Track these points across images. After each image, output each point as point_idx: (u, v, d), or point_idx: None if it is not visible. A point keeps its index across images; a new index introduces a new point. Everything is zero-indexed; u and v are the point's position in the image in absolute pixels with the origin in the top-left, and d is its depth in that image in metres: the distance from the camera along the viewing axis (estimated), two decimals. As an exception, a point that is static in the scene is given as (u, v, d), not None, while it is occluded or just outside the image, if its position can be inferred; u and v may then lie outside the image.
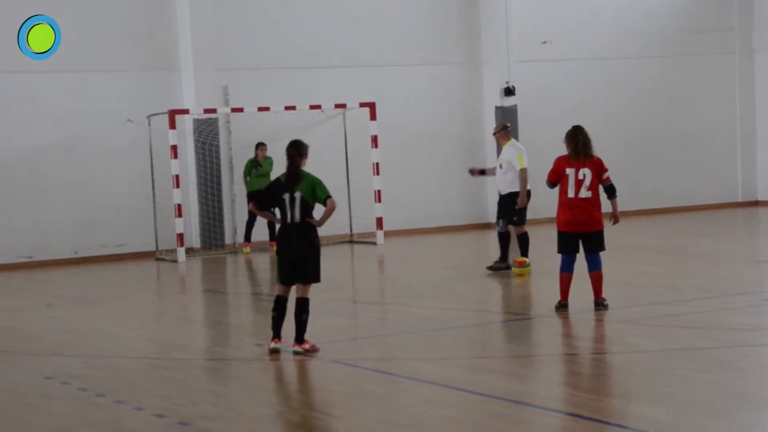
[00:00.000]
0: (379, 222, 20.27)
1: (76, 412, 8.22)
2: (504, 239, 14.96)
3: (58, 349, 11.00)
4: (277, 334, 10.02)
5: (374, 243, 20.11)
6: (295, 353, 9.87)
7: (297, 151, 9.96)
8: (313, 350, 9.94)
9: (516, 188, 14.68)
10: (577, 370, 9.16)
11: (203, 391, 8.83)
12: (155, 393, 8.69)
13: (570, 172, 11.36)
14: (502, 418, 7.56)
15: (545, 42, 22.77)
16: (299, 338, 9.94)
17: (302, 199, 9.82)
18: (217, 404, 8.26)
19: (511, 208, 14.77)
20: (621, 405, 7.83)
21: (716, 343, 9.61)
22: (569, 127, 11.70)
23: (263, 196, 10.11)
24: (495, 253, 15.33)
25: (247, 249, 19.35)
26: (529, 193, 14.83)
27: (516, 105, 22.22)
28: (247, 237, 19.42)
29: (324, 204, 9.84)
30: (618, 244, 16.54)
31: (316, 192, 9.84)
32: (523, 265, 14.57)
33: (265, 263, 18.07)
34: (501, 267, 14.86)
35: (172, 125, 18.76)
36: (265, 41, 20.75)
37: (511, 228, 14.90)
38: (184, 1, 19.92)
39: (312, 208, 9.87)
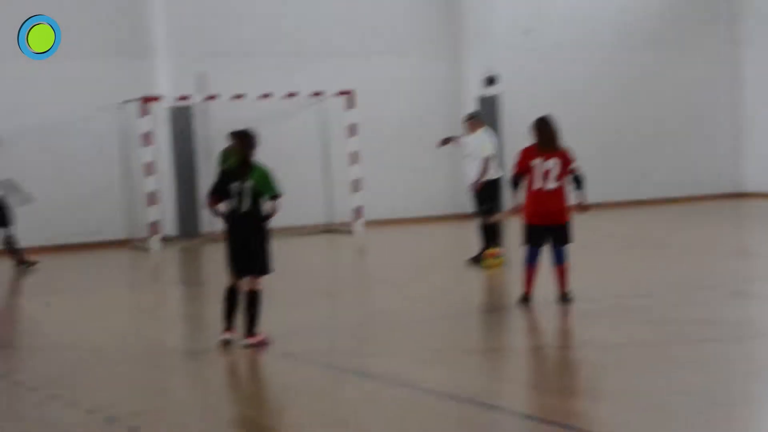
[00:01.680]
0: (357, 212, 20.02)
1: (5, 406, 7.98)
2: (483, 230, 14.72)
3: (11, 339, 10.78)
4: (228, 326, 9.79)
5: (351, 233, 19.88)
6: (245, 346, 9.64)
7: (246, 139, 9.70)
8: (265, 343, 9.71)
9: (486, 177, 14.45)
10: (527, 365, 8.93)
11: (143, 386, 8.59)
12: (94, 387, 8.45)
13: (537, 163, 11.08)
14: (441, 414, 7.32)
15: (528, 31, 22.49)
16: (249, 331, 9.71)
17: (253, 188, 9.58)
18: (153, 400, 8.03)
19: (482, 197, 14.54)
20: (563, 402, 7.58)
21: (672, 338, 9.37)
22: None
23: (216, 187, 9.84)
24: (475, 244, 15.04)
25: None
26: (500, 181, 14.58)
27: (498, 95, 21.96)
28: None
29: (271, 199, 9.62)
30: (595, 234, 16.36)
31: (267, 185, 9.60)
32: (494, 256, 14.33)
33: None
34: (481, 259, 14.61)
35: (145, 112, 18.51)
36: (244, 28, 20.49)
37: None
38: (160, -14, 19.68)
39: (263, 198, 9.62)
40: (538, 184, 11.03)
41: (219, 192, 9.70)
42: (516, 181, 11.16)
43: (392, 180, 21.64)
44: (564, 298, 11.14)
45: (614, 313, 10.60)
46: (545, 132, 11.14)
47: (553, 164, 11.03)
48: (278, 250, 17.75)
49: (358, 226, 19.95)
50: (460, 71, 22.23)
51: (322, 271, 16.02)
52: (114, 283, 15.38)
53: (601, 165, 22.32)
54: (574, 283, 11.28)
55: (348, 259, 17.56)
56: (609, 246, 16.37)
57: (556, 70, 22.66)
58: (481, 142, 14.52)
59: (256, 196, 9.59)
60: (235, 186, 9.60)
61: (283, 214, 19.61)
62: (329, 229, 20.49)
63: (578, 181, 11.23)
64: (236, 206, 9.62)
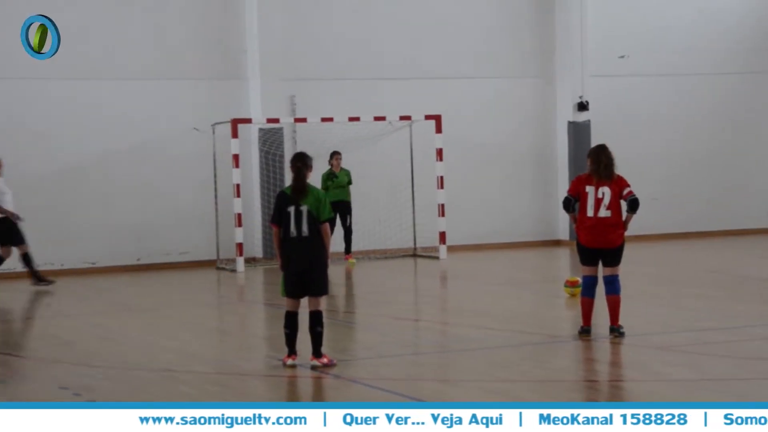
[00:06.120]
0: (442, 236, 19.96)
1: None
2: None
3: (87, 358, 10.98)
4: (292, 351, 9.84)
5: (437, 257, 19.83)
6: (313, 368, 9.68)
7: (303, 163, 9.76)
8: (330, 365, 9.74)
9: None
10: (592, 398, 8.76)
11: (205, 406, 8.65)
12: (158, 407, 8.55)
13: (590, 190, 10.91)
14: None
15: (622, 56, 22.22)
16: (316, 352, 9.76)
17: (309, 212, 9.63)
18: (214, 421, 8.08)
19: None
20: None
21: (746, 375, 9.10)
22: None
23: (274, 212, 9.88)
24: (560, 272, 14.75)
25: (352, 260, 19.25)
26: None
27: (589, 120, 21.74)
28: (348, 248, 19.35)
29: (322, 224, 9.70)
30: (681, 265, 16.04)
31: (320, 209, 9.63)
32: (575, 285, 14.08)
33: (337, 276, 17.84)
34: None
35: (235, 134, 18.78)
36: (334, 51, 20.67)
37: None
38: (253, 11, 19.96)
39: (319, 222, 9.66)
40: (590, 212, 10.86)
41: (279, 217, 9.76)
42: (567, 205, 11.03)
43: (480, 204, 21.54)
44: (616, 331, 10.84)
45: (689, 345, 10.35)
46: (600, 162, 10.93)
47: (605, 192, 10.84)
48: (363, 273, 18.03)
49: (443, 251, 19.88)
50: (551, 96, 22.06)
51: (401, 296, 15.96)
52: (195, 303, 15.57)
53: (690, 192, 21.94)
54: (654, 313, 11.03)
55: (429, 284, 17.51)
56: (696, 276, 16.00)
57: (648, 95, 22.30)
58: None
59: (313, 219, 9.62)
60: (291, 209, 9.64)
61: (370, 238, 20.12)
62: (415, 253, 20.47)
63: (633, 204, 10.93)
64: (294, 230, 9.65)
